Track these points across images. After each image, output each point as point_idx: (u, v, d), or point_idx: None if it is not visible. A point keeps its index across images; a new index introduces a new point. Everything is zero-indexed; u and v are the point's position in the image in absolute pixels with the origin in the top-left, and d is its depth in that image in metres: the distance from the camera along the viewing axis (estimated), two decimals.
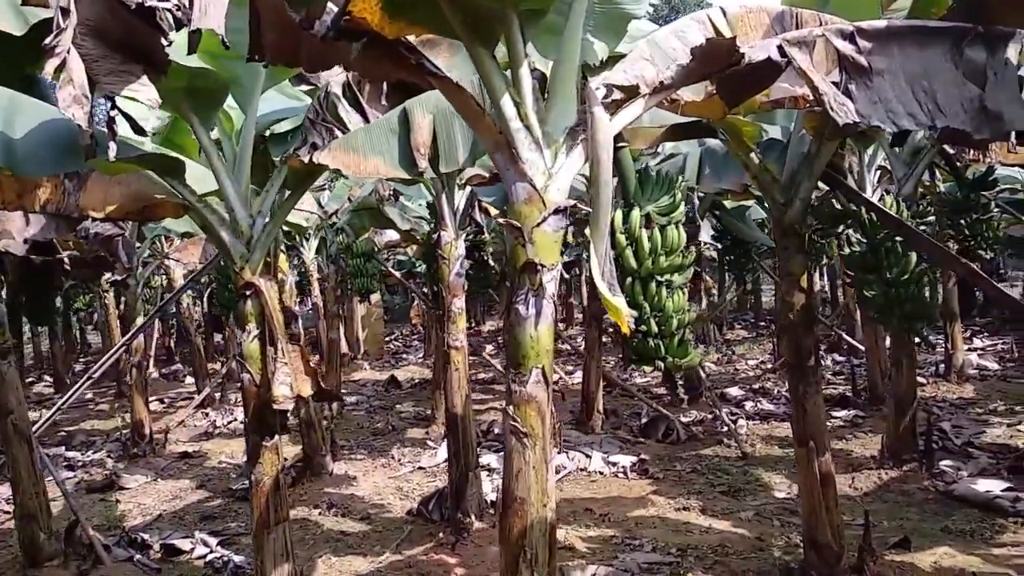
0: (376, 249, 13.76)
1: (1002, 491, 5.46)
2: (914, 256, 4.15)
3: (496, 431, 8.35)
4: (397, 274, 12.03)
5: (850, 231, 4.31)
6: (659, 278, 2.79)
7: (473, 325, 21.81)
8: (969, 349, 11.63)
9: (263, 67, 3.76)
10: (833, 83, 2.77)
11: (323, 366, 10.34)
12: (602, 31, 2.90)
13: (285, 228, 10.63)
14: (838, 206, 4.15)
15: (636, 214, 2.77)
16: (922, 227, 9.11)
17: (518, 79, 2.48)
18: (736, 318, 20.01)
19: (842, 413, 8.26)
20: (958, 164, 6.57)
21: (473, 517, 5.42)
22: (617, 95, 2.56)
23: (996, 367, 10.38)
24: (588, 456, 7.19)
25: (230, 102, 3.88)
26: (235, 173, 3.88)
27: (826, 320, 10.62)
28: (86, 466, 8.31)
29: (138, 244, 8.06)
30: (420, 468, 7.44)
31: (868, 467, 6.24)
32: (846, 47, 2.70)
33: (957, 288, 9.38)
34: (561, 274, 2.68)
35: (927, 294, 4.17)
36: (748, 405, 9.05)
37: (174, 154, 3.69)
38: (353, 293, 11.66)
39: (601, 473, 6.89)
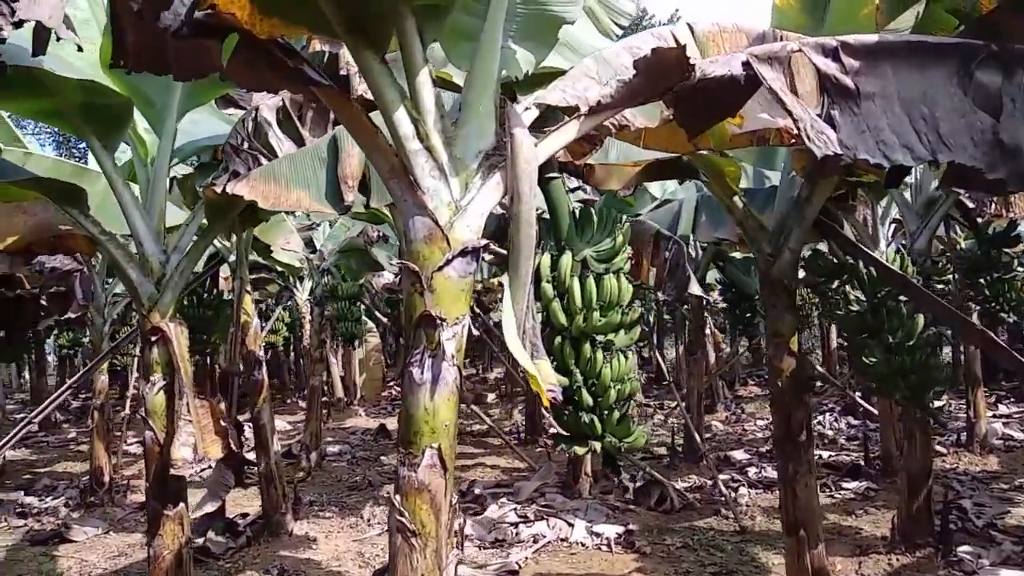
0: (373, 291, 13.36)
1: None
2: (921, 319, 3.62)
3: (476, 491, 7.76)
4: (383, 318, 11.55)
5: (848, 287, 3.81)
6: (598, 338, 2.29)
7: (479, 372, 21.22)
8: (994, 416, 10.91)
9: (181, 84, 3.36)
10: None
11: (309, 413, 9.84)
12: (527, 38, 2.46)
13: (278, 268, 10.29)
14: (834, 259, 3.66)
15: (567, 259, 2.28)
16: (940, 286, 8.55)
17: (416, 91, 2.02)
18: (750, 374, 19.26)
19: (852, 485, 7.59)
20: (978, 219, 6.03)
21: None
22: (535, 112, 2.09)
23: (1023, 436, 9.64)
24: (571, 525, 6.59)
25: (146, 124, 3.47)
26: (147, 204, 3.45)
27: (837, 381, 9.97)
28: (40, 514, 7.80)
29: (109, 280, 7.68)
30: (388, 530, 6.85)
31: (877, 550, 5.58)
32: (828, 65, 2.23)
33: (981, 350, 8.74)
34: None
35: (937, 361, 3.61)
36: (752, 471, 8.40)
37: (72, 181, 3.28)
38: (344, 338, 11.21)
39: (583, 544, 6.27)
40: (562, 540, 6.37)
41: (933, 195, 5.25)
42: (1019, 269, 5.90)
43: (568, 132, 2.19)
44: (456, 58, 2.32)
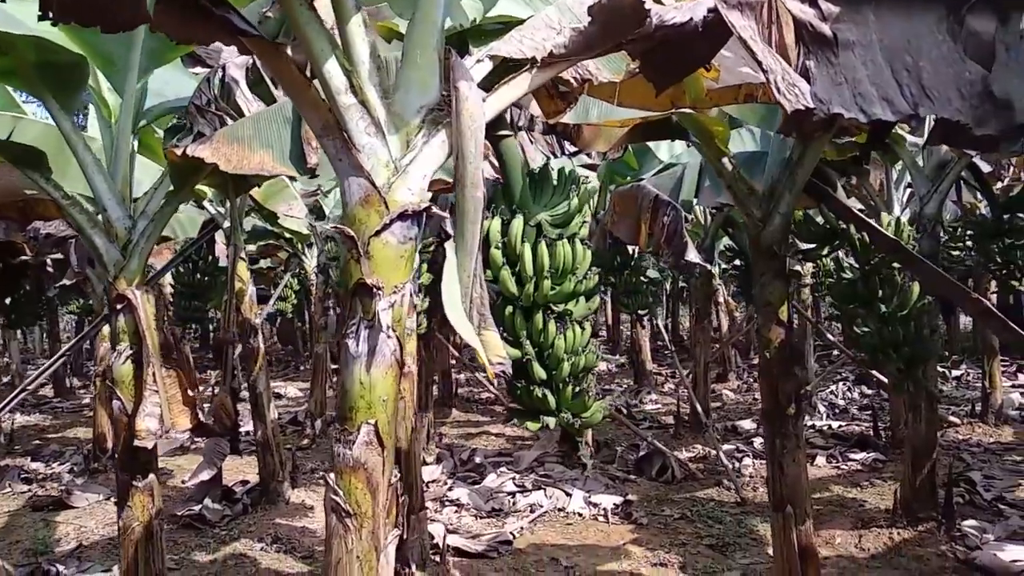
0: None
1: None
2: (916, 287, 3.43)
3: (477, 460, 7.71)
4: None
5: (840, 253, 3.62)
6: (554, 307, 2.15)
7: None
8: (1012, 386, 10.67)
9: (142, 41, 3.23)
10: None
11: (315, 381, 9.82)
12: None
13: (287, 235, 10.21)
14: (826, 225, 3.47)
15: (518, 223, 2.13)
16: (956, 253, 8.26)
17: (348, 39, 1.87)
18: None
19: (860, 456, 7.44)
20: (998, 183, 5.77)
21: (414, 567, 4.77)
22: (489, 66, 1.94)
23: None
24: (568, 495, 6.52)
25: (109, 84, 3.35)
26: (112, 167, 3.34)
27: (846, 349, 9.75)
28: (44, 480, 7.87)
29: None
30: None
31: (879, 524, 5.45)
32: (805, 11, 2.04)
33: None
34: None
35: (933, 332, 3.41)
36: (757, 442, 8.26)
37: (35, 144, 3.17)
38: None
39: (580, 515, 6.20)
40: (559, 510, 6.30)
41: (944, 157, 5.01)
42: None
43: (519, 86, 2.03)
44: (396, 5, 2.16)
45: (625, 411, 10.35)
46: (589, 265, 2.23)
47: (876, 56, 1.99)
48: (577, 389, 2.17)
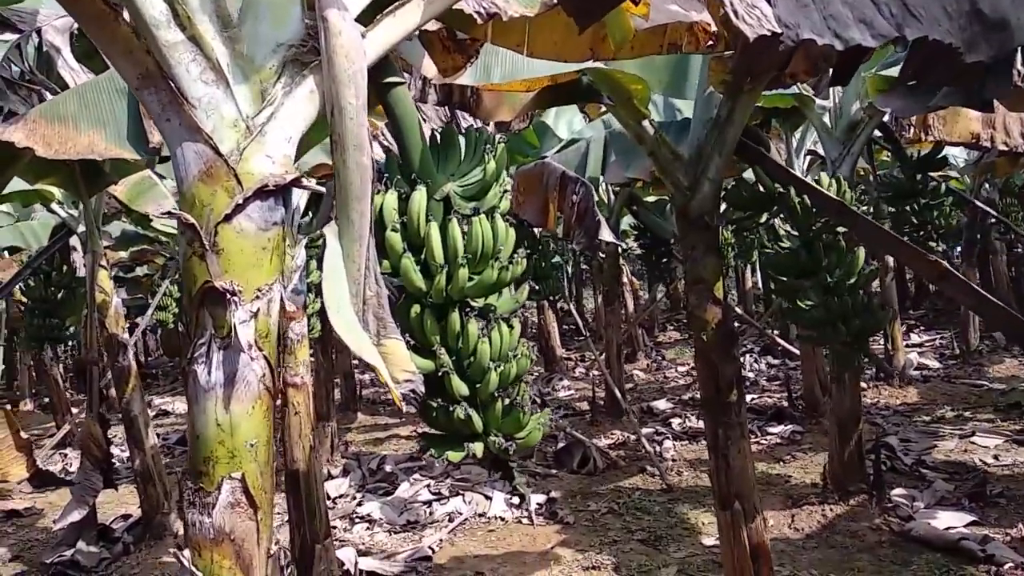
0: None
1: (965, 526, 4.58)
2: (862, 253, 3.19)
3: (387, 468, 7.19)
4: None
5: (777, 221, 3.34)
6: (473, 302, 1.70)
7: None
8: (908, 346, 10.99)
9: None
10: None
11: None
12: None
13: (162, 238, 9.29)
14: (761, 188, 3.17)
15: (420, 197, 1.66)
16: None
17: None
18: (669, 319, 19.22)
19: (778, 428, 7.36)
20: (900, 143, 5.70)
21: None
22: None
23: (938, 365, 9.70)
24: (488, 498, 6.10)
25: None
26: None
27: (756, 321, 9.79)
28: None
29: None
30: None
31: (810, 500, 5.30)
32: None
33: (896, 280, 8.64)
34: None
35: (876, 301, 3.20)
36: (675, 423, 8.10)
37: None
38: None
39: (502, 519, 5.80)
40: (480, 516, 5.88)
41: (855, 118, 4.85)
42: (944, 195, 5.62)
43: (409, 16, 1.56)
44: None
45: (540, 400, 10.04)
46: (515, 246, 1.78)
47: None
48: (508, 404, 1.73)
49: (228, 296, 1.37)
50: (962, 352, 9.84)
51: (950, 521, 4.62)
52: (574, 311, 9.26)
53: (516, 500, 6.00)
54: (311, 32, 1.50)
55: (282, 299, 1.45)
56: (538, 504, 5.93)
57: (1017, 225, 9.96)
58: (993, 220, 9.35)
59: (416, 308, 1.68)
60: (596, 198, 9.10)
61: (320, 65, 1.49)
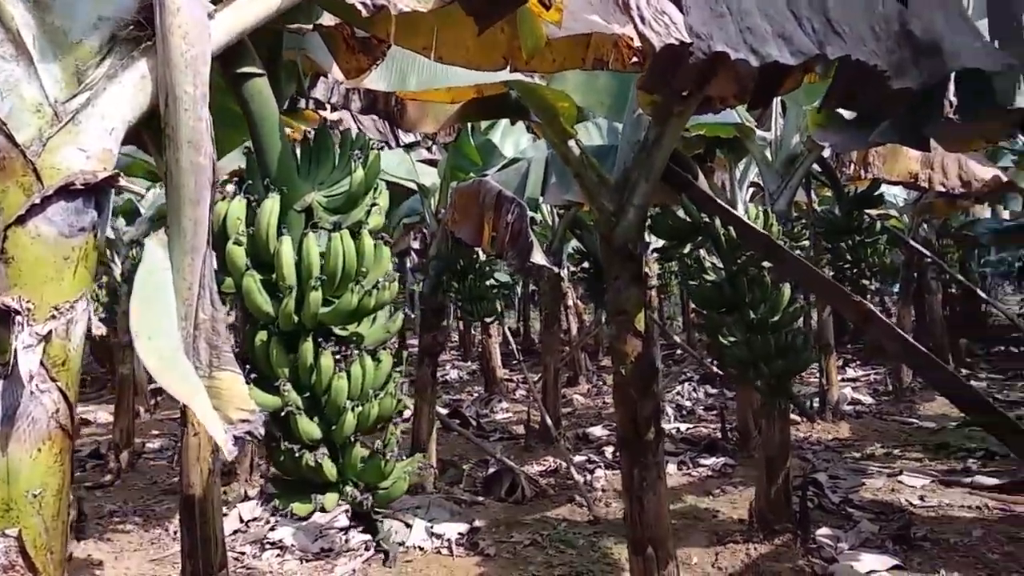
0: None
1: (888, 570, 4.50)
2: (787, 290, 3.07)
3: None
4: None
5: (703, 252, 3.21)
6: (336, 331, 1.48)
7: None
8: (843, 380, 11.06)
9: None
10: None
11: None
12: None
13: None
14: (687, 218, 3.03)
15: (271, 207, 1.44)
16: (797, 252, 8.33)
17: None
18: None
19: (710, 461, 7.27)
20: (840, 179, 5.67)
21: None
22: None
23: (871, 401, 9.77)
24: (408, 526, 5.82)
25: None
26: None
27: (694, 351, 9.75)
28: None
29: None
30: None
31: (735, 538, 5.16)
32: None
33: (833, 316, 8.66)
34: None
35: (804, 339, 3.07)
36: (609, 450, 7.93)
37: None
38: None
39: (421, 548, 5.54)
40: (398, 544, 5.60)
41: (794, 151, 4.78)
42: (879, 232, 5.60)
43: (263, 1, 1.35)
44: None
45: (475, 423, 9.81)
46: (388, 267, 1.57)
47: None
48: (371, 451, 1.51)
49: (13, 315, 1.13)
50: (895, 389, 9.93)
51: (873, 564, 4.53)
52: (508, 335, 9.09)
53: (437, 530, 5.75)
54: (145, 7, 1.28)
55: (90, 319, 1.22)
56: (459, 534, 5.69)
57: (952, 266, 10.12)
58: (929, 260, 9.48)
59: (262, 335, 1.46)
60: (540, 220, 9.00)
61: (154, 46, 1.27)
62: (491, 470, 7.08)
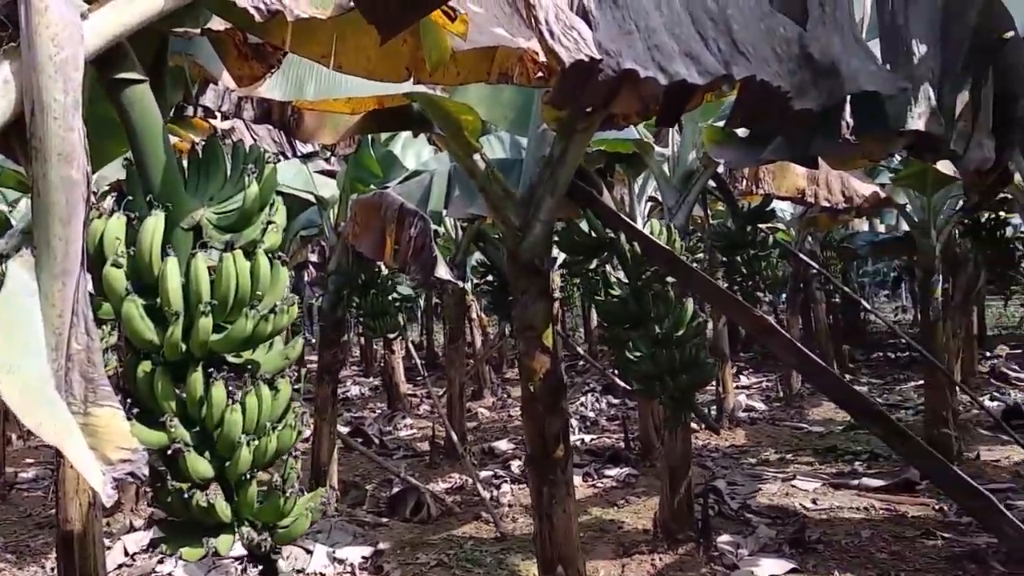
0: None
1: (785, 574, 4.65)
2: (691, 305, 3.14)
3: None
4: None
5: (609, 267, 3.24)
6: (228, 359, 1.37)
7: None
8: (737, 388, 11.47)
9: None
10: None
11: None
12: None
13: None
14: (593, 233, 3.06)
15: (154, 225, 1.33)
16: (695, 266, 8.60)
17: None
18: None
19: (614, 472, 7.35)
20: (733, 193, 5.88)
21: None
22: None
23: (764, 407, 10.16)
24: (309, 552, 5.60)
25: None
26: None
27: (597, 363, 9.88)
28: None
29: None
30: None
31: (640, 549, 5.22)
32: None
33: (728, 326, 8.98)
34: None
35: (705, 353, 3.14)
36: (516, 465, 7.91)
37: None
38: None
39: (322, 575, 5.33)
40: (298, 572, 5.38)
41: (691, 167, 4.91)
42: (771, 247, 5.84)
43: (144, 3, 1.24)
44: None
45: (378, 440, 9.60)
46: (286, 289, 1.47)
47: (673, 0, 1.47)
48: (268, 488, 1.40)
49: None
50: (785, 395, 10.38)
51: (772, 569, 4.67)
52: (412, 349, 8.94)
53: (339, 554, 5.56)
54: (8, 3, 1.15)
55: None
56: (363, 558, 5.52)
57: (835, 277, 10.70)
58: (815, 271, 9.98)
59: (145, 366, 1.33)
60: (444, 233, 8.93)
61: (18, 47, 1.14)
62: (395, 489, 6.93)
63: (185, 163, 1.55)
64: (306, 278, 15.00)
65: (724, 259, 6.21)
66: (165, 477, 1.37)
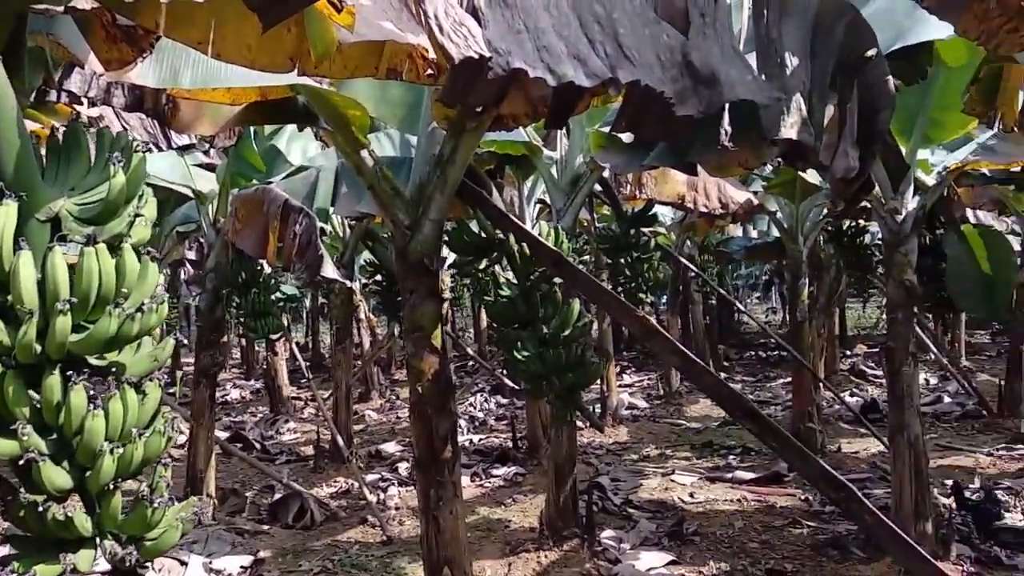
0: None
1: (665, 566, 4.81)
2: (577, 305, 3.19)
3: None
4: None
5: (498, 268, 3.26)
6: (91, 362, 1.28)
7: None
8: (620, 386, 11.80)
9: None
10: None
11: None
12: None
13: None
14: (482, 233, 3.06)
15: (7, 216, 1.22)
16: (582, 267, 8.80)
17: None
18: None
19: (501, 471, 7.40)
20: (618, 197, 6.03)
21: None
22: None
23: (645, 405, 10.49)
24: (184, 563, 5.32)
25: None
26: None
27: (484, 362, 9.93)
28: None
29: None
30: None
31: (527, 547, 5.27)
32: None
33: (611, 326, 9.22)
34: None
35: (590, 353, 3.21)
36: (403, 467, 7.83)
37: None
38: None
39: None
40: None
41: (578, 171, 5.01)
42: (654, 250, 6.05)
43: None
44: None
45: (260, 445, 9.27)
46: (156, 287, 1.38)
47: (561, 1, 1.48)
48: (136, 498, 1.30)
49: None
50: (665, 393, 10.76)
51: (652, 562, 4.82)
52: (296, 351, 8.68)
53: (217, 565, 5.32)
54: None
55: None
56: (242, 567, 5.31)
57: (711, 279, 11.20)
58: (693, 274, 10.42)
59: None
60: (331, 231, 8.72)
61: None
62: (277, 495, 6.70)
63: (43, 150, 1.43)
64: (183, 276, 14.29)
65: (609, 261, 6.37)
66: (18, 489, 1.25)
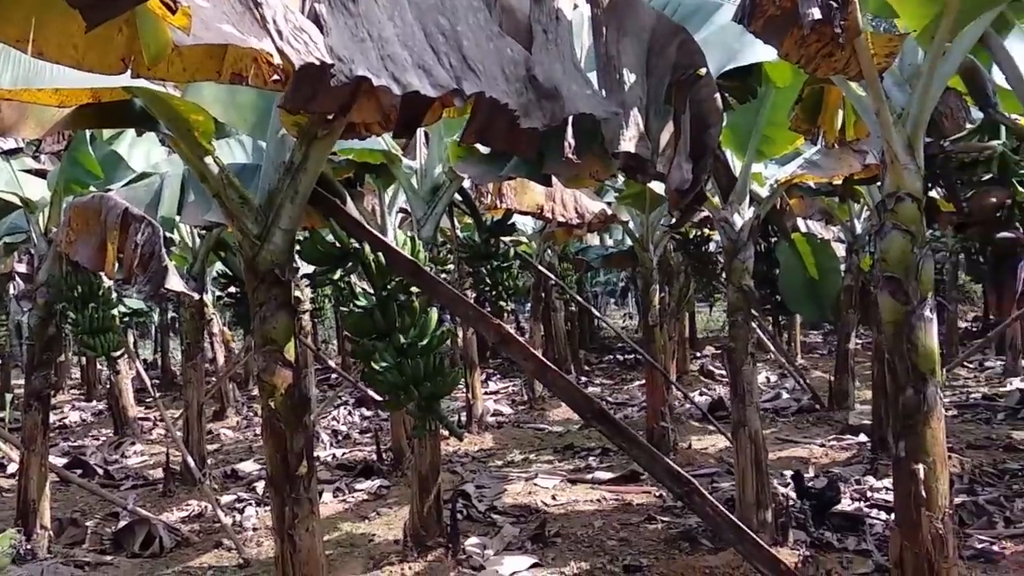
0: None
1: (528, 569, 4.89)
2: (435, 314, 3.20)
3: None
4: None
5: (354, 278, 3.21)
6: None
7: None
8: (486, 394, 11.90)
9: None
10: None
11: None
12: None
13: None
14: (337, 243, 3.01)
15: None
16: (443, 277, 8.81)
17: None
18: None
19: (365, 484, 7.28)
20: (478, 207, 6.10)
21: None
22: None
23: (510, 411, 10.63)
24: None
25: None
26: None
27: (347, 375, 9.74)
28: None
29: None
30: None
31: (391, 560, 5.21)
32: None
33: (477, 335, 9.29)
34: None
35: (453, 362, 3.22)
36: (261, 486, 7.52)
37: None
38: None
39: None
40: None
41: (438, 181, 5.03)
42: (514, 260, 6.16)
43: None
44: None
45: (102, 471, 8.62)
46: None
47: (406, 13, 1.49)
48: None
49: None
50: (529, 399, 10.97)
51: (514, 566, 4.88)
52: (142, 369, 8.17)
53: None
54: None
55: None
56: None
57: (571, 287, 11.54)
58: (553, 282, 10.69)
59: None
60: (180, 241, 8.26)
61: None
62: (122, 523, 6.26)
63: None
64: (12, 291, 13.06)
65: (471, 270, 6.42)
66: None
